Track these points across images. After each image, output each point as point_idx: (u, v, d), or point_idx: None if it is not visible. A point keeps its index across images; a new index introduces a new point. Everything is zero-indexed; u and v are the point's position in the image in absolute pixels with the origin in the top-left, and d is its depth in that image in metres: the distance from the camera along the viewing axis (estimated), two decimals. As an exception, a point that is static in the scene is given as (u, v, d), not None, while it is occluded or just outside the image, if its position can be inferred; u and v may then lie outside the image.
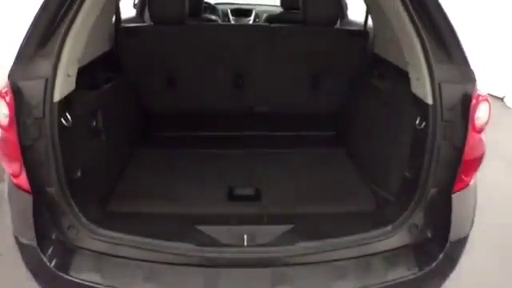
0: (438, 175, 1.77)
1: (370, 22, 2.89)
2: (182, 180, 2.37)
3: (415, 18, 1.78)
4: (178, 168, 2.53)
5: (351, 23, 3.57)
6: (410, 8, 1.78)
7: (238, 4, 5.16)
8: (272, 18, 3.80)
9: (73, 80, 1.85)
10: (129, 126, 2.70)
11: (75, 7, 1.72)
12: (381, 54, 2.66)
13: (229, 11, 4.81)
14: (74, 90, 1.87)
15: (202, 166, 2.54)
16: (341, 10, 3.55)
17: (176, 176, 2.42)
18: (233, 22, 4.69)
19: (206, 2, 4.62)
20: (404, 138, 2.03)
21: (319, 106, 3.03)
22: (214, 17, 4.44)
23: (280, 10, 4.13)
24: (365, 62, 2.83)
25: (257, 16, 4.81)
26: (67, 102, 1.80)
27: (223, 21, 4.68)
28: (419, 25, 1.77)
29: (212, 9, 4.72)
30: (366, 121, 2.60)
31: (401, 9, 1.82)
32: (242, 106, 3.00)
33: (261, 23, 3.45)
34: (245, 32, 3.04)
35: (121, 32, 2.76)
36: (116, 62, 2.74)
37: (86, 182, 1.93)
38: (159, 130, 2.99)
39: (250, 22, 4.70)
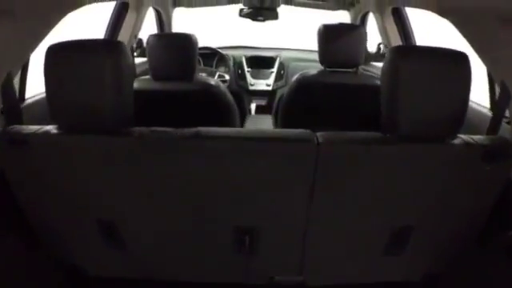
0: None
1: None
2: None
3: None
4: None
5: None
6: None
7: (256, 48, 3.83)
8: (307, 85, 2.07)
9: None
10: None
11: None
12: None
13: (243, 60, 3.59)
14: None
15: None
16: None
17: None
18: (249, 78, 3.54)
19: (208, 48, 3.55)
20: None
21: (401, 282, 1.69)
22: (219, 73, 3.41)
23: (314, 57, 2.42)
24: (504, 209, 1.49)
25: (282, 67, 3.57)
26: None
27: (236, 75, 3.57)
28: None
29: (219, 58, 3.56)
30: None
31: None
32: (250, 279, 1.68)
33: (292, 134, 1.44)
34: (260, 148, 1.39)
35: (5, 145, 1.37)
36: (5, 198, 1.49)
37: None
38: None
39: (273, 75, 3.53)
